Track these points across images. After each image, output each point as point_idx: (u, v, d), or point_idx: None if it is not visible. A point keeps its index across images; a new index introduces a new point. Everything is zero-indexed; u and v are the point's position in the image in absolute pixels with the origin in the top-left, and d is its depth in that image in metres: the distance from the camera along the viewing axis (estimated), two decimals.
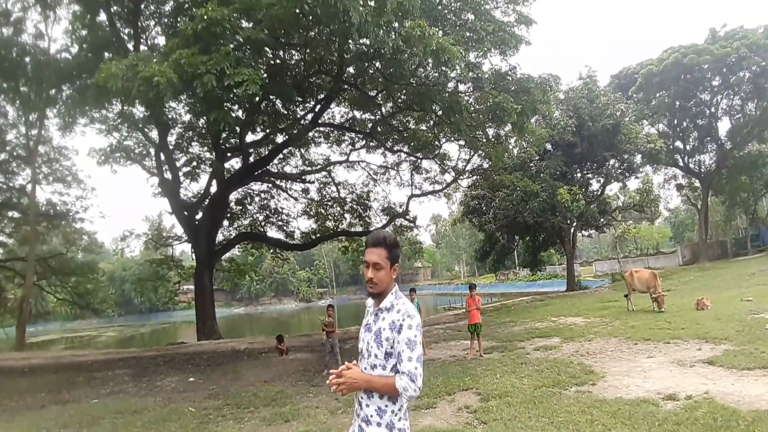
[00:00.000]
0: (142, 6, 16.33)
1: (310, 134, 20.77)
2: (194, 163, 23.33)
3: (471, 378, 8.49)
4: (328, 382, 2.60)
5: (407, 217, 24.94)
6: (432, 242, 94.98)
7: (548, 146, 29.24)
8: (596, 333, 12.05)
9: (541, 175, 27.82)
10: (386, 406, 2.54)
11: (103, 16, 16.13)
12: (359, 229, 25.63)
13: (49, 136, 25.69)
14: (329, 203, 25.48)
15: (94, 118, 20.76)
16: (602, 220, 32.40)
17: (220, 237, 23.77)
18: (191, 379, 11.06)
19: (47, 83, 14.53)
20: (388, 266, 2.59)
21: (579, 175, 31.59)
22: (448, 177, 24.48)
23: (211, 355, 14.96)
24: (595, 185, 32.80)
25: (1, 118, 23.93)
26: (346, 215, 25.56)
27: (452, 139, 20.46)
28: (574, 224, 31.44)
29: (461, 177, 24.81)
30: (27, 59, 13.84)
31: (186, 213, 22.27)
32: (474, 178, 26.30)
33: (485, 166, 23.72)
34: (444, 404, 7.18)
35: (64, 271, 28.45)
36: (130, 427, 7.05)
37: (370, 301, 2.75)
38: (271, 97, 14.54)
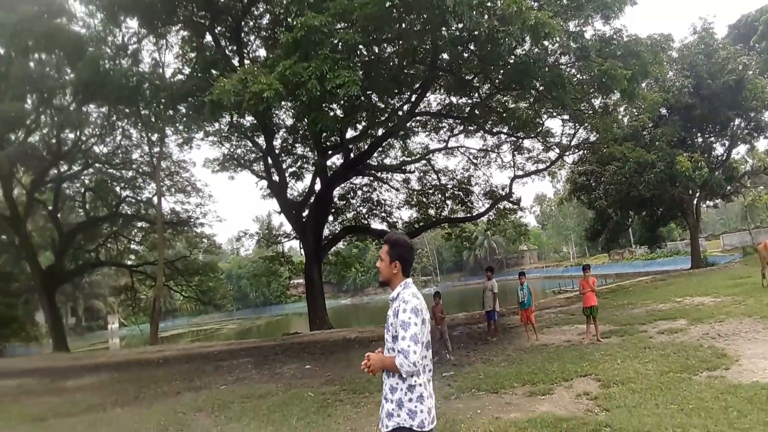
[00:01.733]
0: (243, 23, 17.25)
1: (409, 124, 20.85)
2: (299, 164, 24.42)
3: (589, 363, 8.17)
4: (362, 365, 3.05)
5: (511, 199, 24.25)
6: (537, 224, 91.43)
7: (663, 111, 26.75)
8: (728, 313, 11.07)
9: (657, 143, 25.58)
10: (396, 384, 2.94)
11: (208, 38, 17.38)
12: (462, 215, 25.41)
13: (169, 152, 27.98)
14: (430, 191, 25.46)
15: (208, 132, 22.41)
16: (729, 187, 29.67)
17: (326, 232, 24.67)
18: (308, 366, 11.66)
19: (165, 105, 15.86)
20: (387, 260, 3.09)
21: (700, 139, 28.90)
22: (552, 154, 23.38)
23: (323, 344, 15.64)
24: (718, 150, 29.92)
25: (127, 140, 26.85)
26: (448, 202, 25.41)
27: (555, 114, 19.51)
28: (697, 194, 28.96)
29: (567, 153, 23.57)
30: (145, 85, 15.21)
31: (293, 211, 23.33)
32: (580, 153, 24.97)
33: (592, 139, 22.36)
34: (561, 390, 6.99)
35: (188, 271, 31.20)
36: (257, 411, 7.57)
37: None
38: (368, 92, 14.78)
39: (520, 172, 24.14)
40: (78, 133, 24.63)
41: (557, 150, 22.71)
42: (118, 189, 30.07)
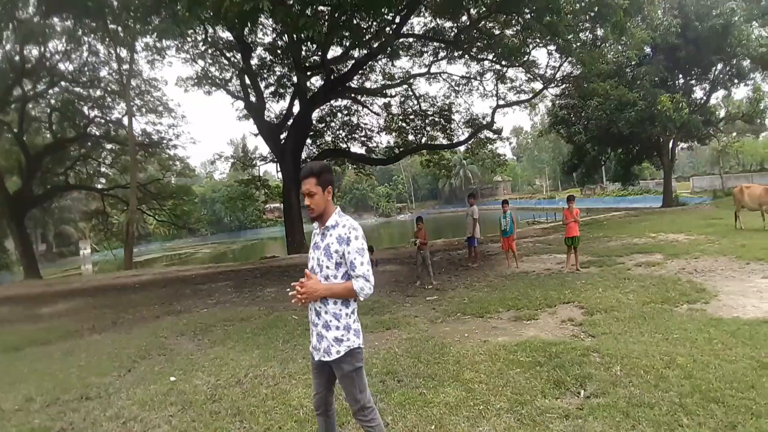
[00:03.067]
0: None
1: (392, 47, 20.04)
2: (277, 85, 23.51)
3: (571, 291, 8.31)
4: (290, 295, 3.01)
5: (493, 128, 23.97)
6: (512, 156, 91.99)
7: (647, 50, 26.60)
8: (702, 251, 11.28)
9: (639, 82, 25.49)
10: (340, 310, 2.95)
11: None
12: (443, 142, 25.11)
13: (139, 70, 26.89)
14: (411, 117, 25.00)
15: (180, 47, 21.17)
16: (705, 131, 29.66)
17: (304, 155, 24.25)
18: (288, 289, 11.57)
19: (135, 17, 14.72)
20: (320, 191, 2.95)
21: (681, 81, 28.86)
22: (535, 86, 23.05)
23: (303, 267, 15.21)
24: (698, 93, 29.98)
25: (94, 57, 25.23)
26: (428, 128, 25.05)
27: (542, 44, 19.02)
28: (674, 135, 29.02)
29: (550, 85, 23.26)
30: None
31: (271, 134, 22.75)
32: (563, 86, 24.56)
33: (576, 73, 21.99)
34: (546, 316, 7.07)
35: (161, 195, 30.67)
36: (241, 334, 7.48)
37: (315, 225, 3.10)
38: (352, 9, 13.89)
39: (502, 102, 23.77)
40: (42, 48, 23.22)
41: (541, 82, 22.35)
42: (85, 109, 28.66)
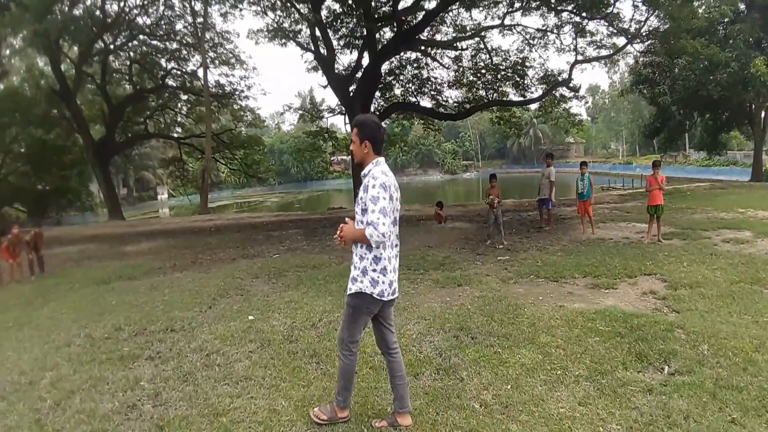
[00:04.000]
0: None
1: None
2: (347, 37, 23.21)
3: (653, 263, 7.86)
4: (335, 237, 3.29)
5: (570, 85, 22.67)
6: (587, 116, 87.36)
7: (742, 6, 24.03)
8: None
9: (732, 41, 23.13)
10: (364, 254, 3.17)
11: None
12: (514, 98, 24.13)
13: (212, 23, 27.27)
14: (482, 71, 24.04)
15: (251, 0, 21.30)
16: None
17: (372, 108, 24.06)
18: None
19: None
20: (358, 141, 3.21)
21: None
22: (618, 41, 21.39)
23: None
24: None
25: (169, 11, 25.82)
26: (500, 84, 24.07)
27: None
28: None
29: (634, 41, 21.52)
30: None
31: (340, 86, 22.66)
32: (649, 42, 22.68)
33: (663, 28, 20.18)
34: (625, 286, 6.75)
35: (233, 144, 31.55)
36: (313, 280, 7.68)
37: None
38: None
39: (580, 57, 22.31)
40: (121, 3, 23.96)
41: (624, 36, 20.72)
42: (163, 61, 29.73)
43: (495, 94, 24.39)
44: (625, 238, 10.39)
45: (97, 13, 23.62)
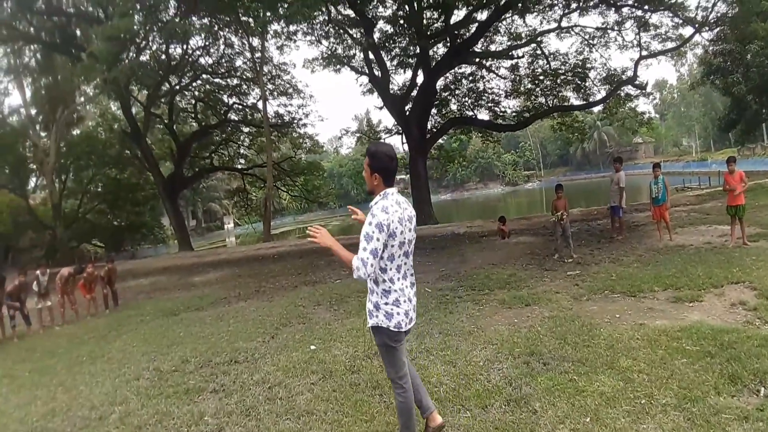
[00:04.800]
0: None
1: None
2: (401, 56, 23.44)
3: (740, 269, 7.10)
4: (308, 230, 3.31)
5: (636, 83, 21.62)
6: (655, 113, 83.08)
7: None
8: None
9: None
10: (373, 288, 3.17)
11: None
12: (576, 102, 23.33)
13: (269, 56, 28.13)
14: (540, 78, 23.44)
15: (306, 30, 22.03)
16: None
17: (429, 125, 24.03)
18: (419, 261, 11.48)
19: (264, 6, 15.50)
20: (369, 172, 3.17)
21: None
22: (684, 31, 20.25)
23: (432, 238, 15.46)
24: None
25: (229, 49, 27.23)
26: (560, 89, 23.37)
27: None
28: None
29: (702, 30, 20.28)
30: None
31: (396, 106, 22.77)
32: (718, 29, 21.32)
33: (732, 13, 18.87)
34: (711, 298, 6.11)
35: (294, 171, 32.47)
36: None
37: None
38: None
39: (645, 53, 21.27)
40: (184, 46, 25.27)
41: (691, 26, 19.57)
42: (225, 97, 31.10)
43: (555, 100, 23.76)
44: (707, 243, 9.53)
45: (163, 57, 25.04)
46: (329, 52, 24.22)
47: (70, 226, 30.36)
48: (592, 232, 12.92)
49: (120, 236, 35.42)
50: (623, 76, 21.92)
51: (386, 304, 3.12)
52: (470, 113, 25.63)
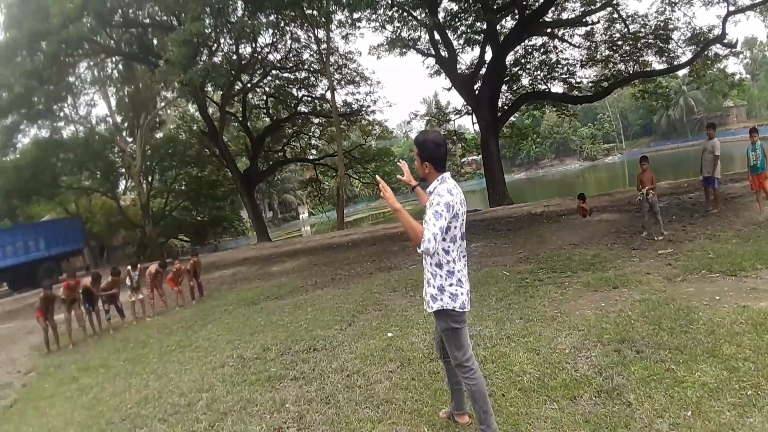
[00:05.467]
0: None
1: None
2: (468, 33, 22.82)
3: None
4: (377, 178, 3.59)
5: (724, 41, 19.74)
6: (746, 74, 75.80)
7: None
8: None
9: None
10: (435, 272, 3.21)
11: None
12: (659, 67, 21.73)
13: (335, 47, 28.19)
14: (618, 43, 21.95)
15: (370, 17, 21.98)
16: None
17: (500, 102, 23.31)
18: (495, 243, 11.16)
19: None
20: (419, 161, 3.26)
21: None
22: None
23: (507, 219, 14.98)
24: None
25: (296, 43, 27.67)
26: (641, 53, 21.81)
27: None
28: None
29: None
30: None
31: (464, 85, 22.26)
32: None
33: None
34: None
35: (365, 159, 32.56)
36: None
37: None
38: None
39: (733, 8, 19.30)
40: (253, 44, 25.91)
41: None
42: (294, 91, 31.64)
43: (635, 66, 22.23)
44: None
45: (234, 57, 25.84)
46: (394, 37, 24.01)
47: (158, 223, 32.30)
48: (684, 207, 11.94)
49: (203, 230, 37.38)
50: (710, 35, 20.08)
51: (450, 285, 3.17)
52: (543, 87, 24.54)
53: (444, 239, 3.10)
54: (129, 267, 10.71)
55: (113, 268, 10.44)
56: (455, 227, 3.14)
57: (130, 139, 31.45)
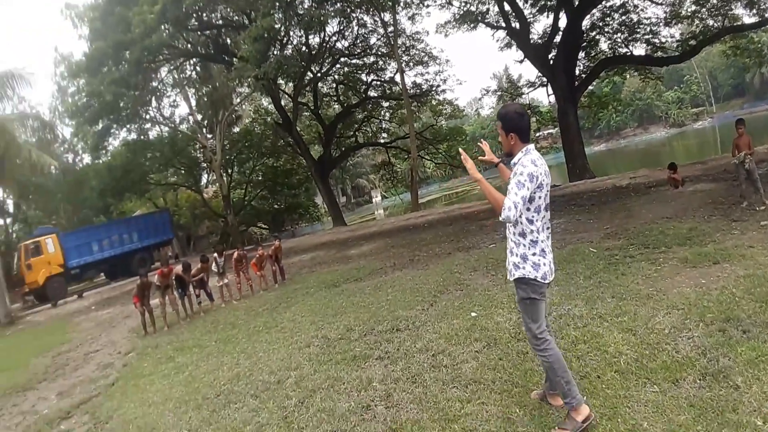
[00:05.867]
0: None
1: None
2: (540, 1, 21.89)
3: None
4: (459, 151, 3.55)
5: None
6: None
7: None
8: None
9: None
10: (518, 240, 3.24)
11: None
12: (751, 20, 19.80)
13: (402, 29, 27.98)
14: None
15: None
16: None
17: (578, 70, 22.21)
18: (579, 219, 10.69)
19: None
20: (504, 134, 3.26)
21: None
22: None
23: (590, 194, 14.29)
24: None
25: (363, 29, 27.71)
26: (731, 6, 19.91)
27: None
28: None
29: None
30: None
31: (538, 55, 21.38)
32: None
33: None
34: None
35: (436, 139, 32.21)
36: None
37: None
38: None
39: None
40: (321, 34, 26.22)
41: None
42: (363, 76, 31.79)
43: (725, 21, 20.31)
44: None
45: (303, 48, 26.30)
46: (462, 12, 23.44)
47: (239, 213, 33.87)
48: None
49: (280, 218, 38.81)
50: None
51: (534, 254, 3.19)
52: (624, 50, 23.07)
53: (528, 209, 3.13)
54: (215, 254, 11.30)
55: (202, 256, 11.08)
56: (539, 197, 3.14)
57: (210, 136, 33.03)
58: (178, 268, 10.43)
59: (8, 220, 35.07)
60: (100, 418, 5.58)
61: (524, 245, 3.20)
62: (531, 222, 3.17)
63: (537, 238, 3.18)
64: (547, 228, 3.29)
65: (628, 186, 14.15)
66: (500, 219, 3.03)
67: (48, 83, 66.44)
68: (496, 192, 3.11)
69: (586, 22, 21.38)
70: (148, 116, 29.68)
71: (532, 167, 3.08)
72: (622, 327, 4.45)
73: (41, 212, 35.35)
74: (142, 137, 30.18)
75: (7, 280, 21.48)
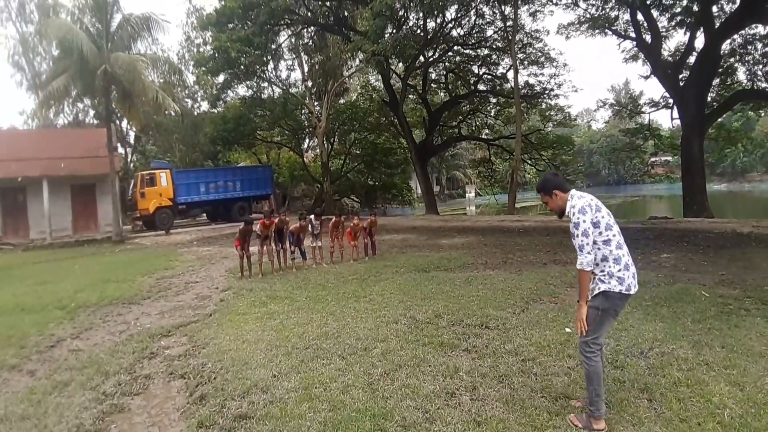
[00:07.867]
0: None
1: None
2: (679, 15, 20.36)
3: None
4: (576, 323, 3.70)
5: None
6: None
7: None
8: None
9: None
10: (603, 268, 3.55)
11: None
12: None
13: (522, 24, 27.16)
14: None
15: None
16: None
17: (709, 98, 20.54)
18: (691, 258, 10.00)
19: None
20: (549, 198, 3.74)
21: None
22: None
23: (706, 234, 13.29)
24: None
25: (480, 19, 27.12)
26: None
27: None
28: None
29: None
30: None
31: (667, 74, 19.97)
32: None
33: None
34: None
35: (542, 145, 31.16)
36: (639, 299, 6.59)
37: None
38: None
39: None
40: (438, 19, 26.04)
41: None
42: (474, 68, 31.41)
43: None
44: None
45: (419, 31, 26.31)
46: (588, 15, 22.37)
47: (334, 182, 34.93)
48: None
49: (373, 194, 39.50)
50: None
51: (619, 270, 3.48)
52: (764, 85, 21.08)
53: (600, 248, 3.52)
54: (312, 216, 11.75)
55: (301, 214, 11.58)
56: (600, 233, 3.51)
57: (317, 103, 34.19)
58: (279, 221, 10.96)
59: (128, 150, 38.48)
60: (197, 342, 6.05)
61: (609, 264, 3.52)
62: (605, 259, 3.53)
63: (618, 255, 3.52)
64: (623, 244, 3.61)
65: (750, 234, 12.99)
66: (578, 268, 3.49)
67: (178, 32, 71.27)
68: (584, 290, 3.54)
69: (725, 47, 19.70)
70: (264, 76, 31.15)
71: (580, 201, 3.54)
72: (729, 380, 4.19)
73: (157, 148, 38.49)
74: (256, 95, 31.78)
75: (121, 203, 23.73)
